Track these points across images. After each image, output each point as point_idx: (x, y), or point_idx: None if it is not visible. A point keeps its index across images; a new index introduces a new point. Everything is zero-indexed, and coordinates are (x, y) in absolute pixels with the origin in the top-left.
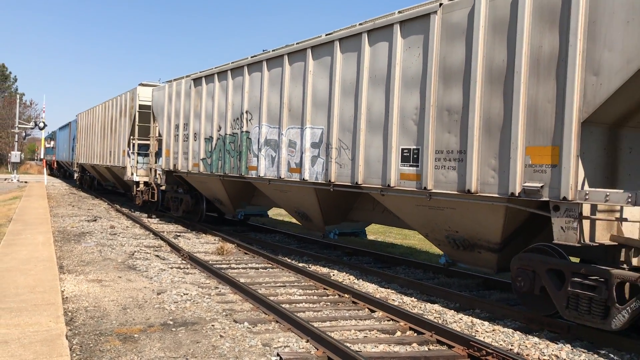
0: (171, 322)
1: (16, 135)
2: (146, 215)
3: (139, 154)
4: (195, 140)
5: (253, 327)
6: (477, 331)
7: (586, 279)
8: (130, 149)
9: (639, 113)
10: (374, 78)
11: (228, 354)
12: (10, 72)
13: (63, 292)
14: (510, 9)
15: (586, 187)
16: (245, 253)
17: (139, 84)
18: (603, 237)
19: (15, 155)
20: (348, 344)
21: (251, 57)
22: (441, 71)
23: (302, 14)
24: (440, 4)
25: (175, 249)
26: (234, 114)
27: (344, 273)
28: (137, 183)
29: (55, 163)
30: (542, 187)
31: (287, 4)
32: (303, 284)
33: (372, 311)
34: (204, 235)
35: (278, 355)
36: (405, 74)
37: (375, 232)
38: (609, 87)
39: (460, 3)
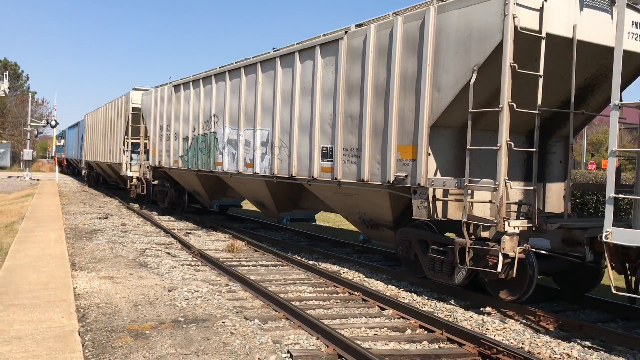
0: (182, 319)
1: (28, 134)
2: (157, 213)
3: (132, 152)
4: (175, 140)
5: (263, 324)
6: (488, 329)
7: (440, 246)
8: (125, 147)
9: (482, 119)
10: (304, 89)
11: (239, 350)
12: (22, 71)
13: (75, 288)
14: (389, 39)
15: (435, 176)
16: (256, 250)
17: (132, 89)
18: (455, 214)
19: (27, 153)
20: (358, 342)
21: (219, 67)
22: (346, 85)
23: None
24: (346, 32)
25: (186, 246)
26: (204, 116)
27: (354, 271)
28: (131, 178)
29: (64, 160)
30: (406, 176)
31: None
32: (313, 281)
33: (382, 309)
34: (214, 232)
35: (288, 352)
36: (323, 87)
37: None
38: (446, 100)
39: (358, 32)
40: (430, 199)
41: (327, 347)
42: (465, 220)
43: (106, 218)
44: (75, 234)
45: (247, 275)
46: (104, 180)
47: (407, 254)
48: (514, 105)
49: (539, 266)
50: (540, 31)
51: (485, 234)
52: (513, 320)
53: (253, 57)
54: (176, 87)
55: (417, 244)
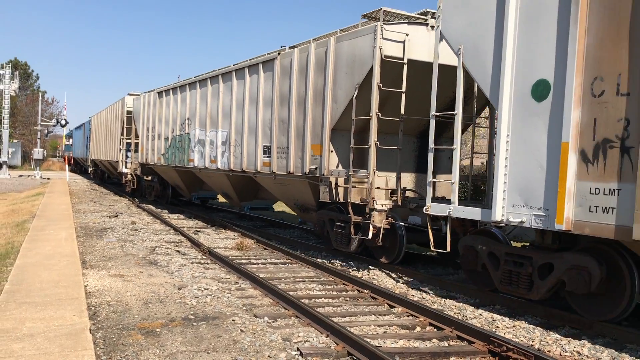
0: (192, 317)
1: (39, 133)
2: (168, 212)
3: (127, 151)
4: (159, 139)
5: (273, 322)
6: (498, 327)
7: (342, 223)
8: (121, 146)
9: (369, 124)
10: (251, 98)
11: (249, 348)
12: (32, 71)
13: (86, 286)
14: (306, 60)
15: (337, 168)
16: (265, 248)
17: (127, 94)
18: (355, 198)
19: (38, 152)
20: (368, 339)
21: (194, 77)
22: (279, 96)
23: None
24: (279, 53)
25: (196, 244)
26: (181, 120)
27: (363, 269)
28: (126, 174)
29: (72, 159)
30: (316, 168)
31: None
32: (322, 279)
33: (392, 307)
34: (223, 230)
35: (298, 349)
36: (264, 97)
37: None
38: (340, 109)
39: (287, 53)
40: (333, 186)
41: (337, 344)
42: (350, 201)
43: (116, 216)
44: (86, 232)
45: (257, 273)
46: (108, 177)
47: (322, 231)
48: (379, 114)
49: (412, 237)
50: (402, 58)
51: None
52: (523, 318)
53: (217, 70)
54: (159, 94)
55: (328, 222)
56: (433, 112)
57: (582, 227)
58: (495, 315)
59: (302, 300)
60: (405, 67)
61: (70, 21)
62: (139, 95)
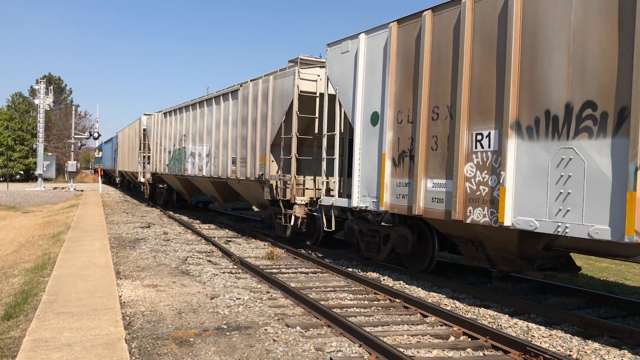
0: (225, 327)
1: (72, 146)
2: (199, 222)
3: (144, 163)
4: (164, 152)
5: (305, 331)
6: (534, 336)
7: (281, 215)
8: (139, 159)
9: (304, 141)
10: (225, 119)
11: (282, 358)
12: (65, 85)
13: (120, 297)
14: (257, 92)
15: (275, 173)
16: (295, 257)
17: (143, 114)
18: (285, 196)
19: (71, 165)
20: (401, 349)
21: (190, 101)
22: (241, 118)
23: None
24: (241, 85)
25: (227, 254)
26: (179, 136)
27: (394, 278)
28: (143, 183)
29: (101, 171)
30: (262, 174)
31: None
32: (353, 288)
33: (425, 316)
34: (253, 240)
35: (331, 359)
36: (232, 119)
37: None
38: (276, 129)
39: (246, 86)
40: (273, 187)
41: (370, 354)
42: (280, 198)
43: (148, 227)
44: (119, 243)
45: (288, 283)
46: (134, 186)
47: (269, 222)
48: (298, 134)
49: (328, 225)
50: (315, 93)
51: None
52: (560, 327)
53: (203, 96)
54: (165, 114)
55: (274, 215)
56: (324, 132)
57: (393, 208)
58: (530, 324)
59: (334, 310)
60: (317, 99)
61: (101, 35)
62: (151, 115)
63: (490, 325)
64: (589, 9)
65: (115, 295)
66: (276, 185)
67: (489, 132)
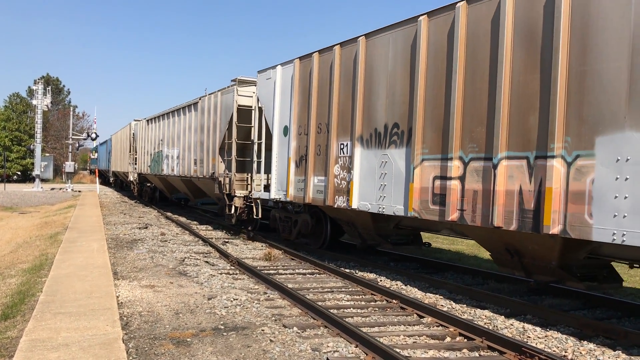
0: (222, 327)
1: (70, 146)
2: (197, 223)
3: (134, 164)
4: (147, 155)
5: (302, 332)
6: (529, 337)
7: (229, 206)
8: (129, 160)
9: (246, 145)
10: (189, 127)
11: (278, 358)
12: (63, 86)
13: (118, 297)
14: (210, 104)
15: (223, 172)
16: (292, 259)
17: (133, 120)
18: (239, 191)
19: (69, 166)
20: (397, 349)
21: (167, 109)
22: (200, 126)
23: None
24: (200, 98)
25: (224, 255)
26: (158, 141)
27: (391, 279)
28: (132, 182)
29: (98, 172)
30: (213, 172)
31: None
32: (350, 289)
33: (421, 317)
34: (251, 241)
35: (327, 359)
36: (194, 126)
37: None
38: (222, 136)
39: (203, 99)
40: (221, 184)
41: (366, 354)
42: (224, 192)
43: (146, 228)
44: (117, 243)
45: (285, 284)
46: (126, 185)
47: (221, 213)
48: (236, 139)
49: (256, 213)
50: (251, 106)
51: (244, 197)
52: (555, 328)
53: (175, 107)
54: (147, 121)
55: (226, 206)
56: (255, 139)
57: (295, 198)
58: (526, 325)
59: (331, 310)
60: (253, 111)
61: (100, 36)
62: (139, 121)
63: (486, 326)
64: (397, 62)
65: (112, 295)
66: (223, 182)
67: (347, 143)
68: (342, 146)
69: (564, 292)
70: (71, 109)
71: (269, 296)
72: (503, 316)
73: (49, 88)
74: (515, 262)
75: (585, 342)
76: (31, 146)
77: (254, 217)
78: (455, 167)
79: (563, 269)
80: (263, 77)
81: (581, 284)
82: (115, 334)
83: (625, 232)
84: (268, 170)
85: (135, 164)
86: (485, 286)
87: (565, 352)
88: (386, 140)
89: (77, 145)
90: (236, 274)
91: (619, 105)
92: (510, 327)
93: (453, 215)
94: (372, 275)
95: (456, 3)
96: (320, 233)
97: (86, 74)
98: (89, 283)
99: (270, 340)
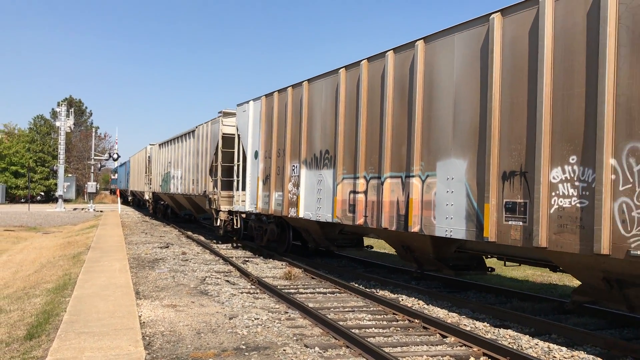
0: (244, 347)
1: (92, 167)
2: (216, 242)
3: (149, 184)
4: (159, 176)
5: (324, 352)
6: (555, 357)
7: (218, 219)
8: (145, 181)
9: (227, 168)
10: (188, 152)
11: None
12: (85, 107)
13: (140, 317)
14: (203, 133)
15: (212, 190)
16: (312, 278)
17: (149, 144)
18: (224, 206)
19: (91, 186)
20: None
21: (173, 136)
22: (195, 151)
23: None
24: (193, 131)
25: (245, 274)
26: (166, 163)
27: (413, 298)
28: (147, 200)
29: (119, 192)
30: (205, 190)
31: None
32: (372, 308)
33: (444, 336)
34: (271, 260)
35: None
36: (192, 151)
37: None
38: (211, 160)
39: (199, 128)
40: (211, 200)
41: None
42: (213, 207)
43: (167, 247)
44: (138, 263)
45: (306, 303)
46: (143, 204)
47: (214, 226)
48: (221, 162)
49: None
50: (233, 134)
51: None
52: (581, 348)
53: (179, 134)
54: (159, 145)
55: (215, 219)
56: (235, 162)
57: (262, 210)
58: (551, 345)
59: (353, 330)
60: (236, 138)
61: (121, 59)
62: (154, 145)
63: (510, 346)
64: (327, 104)
65: (135, 315)
66: (212, 198)
67: (297, 165)
68: (293, 167)
69: (590, 310)
70: (93, 130)
71: (290, 315)
72: (527, 335)
73: (72, 110)
74: (409, 256)
75: None
76: (54, 167)
77: (235, 227)
78: (361, 184)
79: (440, 261)
80: (240, 110)
81: (452, 272)
82: (138, 354)
83: (452, 229)
84: (238, 188)
85: (150, 183)
86: (508, 305)
87: None
88: (321, 163)
89: (99, 165)
90: (257, 293)
91: (447, 139)
92: (535, 346)
93: (360, 220)
94: (393, 295)
95: (360, 61)
96: (284, 239)
97: (108, 95)
98: (112, 303)
99: None
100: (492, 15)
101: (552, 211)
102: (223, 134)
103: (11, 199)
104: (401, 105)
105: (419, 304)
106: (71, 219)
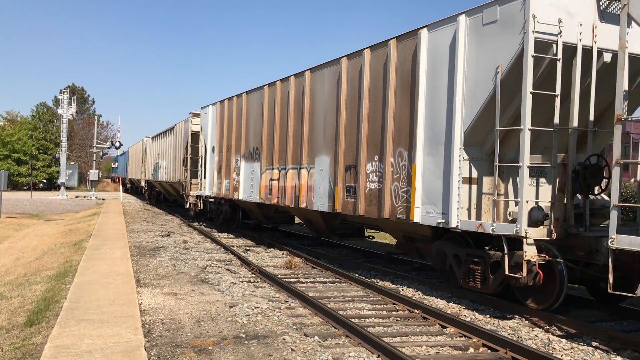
0: (243, 335)
1: (94, 155)
2: (217, 230)
3: (145, 172)
4: (151, 165)
5: (323, 341)
6: (555, 349)
7: (188, 202)
8: (142, 169)
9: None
10: (170, 146)
11: None
12: (88, 95)
13: (140, 304)
14: (178, 129)
15: (184, 178)
16: (313, 267)
17: (145, 136)
18: (192, 192)
19: (93, 174)
20: None
21: (161, 131)
22: (174, 144)
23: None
24: (172, 127)
25: (245, 262)
26: (155, 155)
27: (413, 288)
28: (143, 187)
29: (121, 180)
30: (179, 178)
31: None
32: (372, 298)
33: (444, 327)
34: (272, 249)
35: None
36: (173, 145)
37: None
38: (183, 153)
39: (176, 126)
40: (183, 186)
41: None
42: (184, 192)
43: (168, 236)
44: (139, 251)
45: (306, 292)
46: (140, 190)
47: (188, 209)
48: (191, 155)
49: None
50: (199, 132)
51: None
52: (581, 340)
53: (164, 130)
54: (152, 139)
55: (186, 202)
56: (200, 155)
57: (217, 194)
58: (551, 337)
59: (353, 320)
60: (200, 135)
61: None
62: (148, 137)
63: (510, 337)
64: (257, 111)
65: (135, 303)
66: (184, 185)
67: (239, 158)
68: (236, 160)
69: (590, 302)
70: (95, 118)
71: (290, 305)
72: (527, 327)
73: (74, 98)
74: (311, 227)
75: (612, 355)
76: (57, 155)
77: (200, 209)
78: (275, 173)
79: (329, 230)
80: (203, 112)
81: (337, 238)
82: (138, 342)
83: (321, 205)
84: (202, 177)
85: (145, 172)
86: (508, 296)
87: None
88: (253, 157)
89: (102, 153)
90: (257, 282)
91: (320, 142)
92: (534, 338)
93: (274, 200)
94: (393, 285)
95: (275, 82)
96: (235, 218)
97: (110, 83)
98: (112, 290)
99: (292, 350)
100: (342, 59)
101: (366, 191)
102: (192, 131)
103: (14, 186)
104: (298, 117)
105: (418, 294)
106: (73, 206)
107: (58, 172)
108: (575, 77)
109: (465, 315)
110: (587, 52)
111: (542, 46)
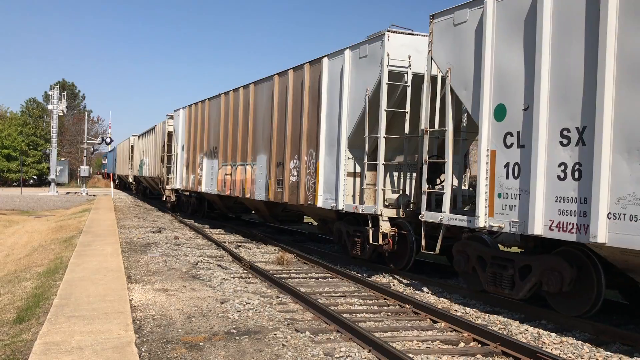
0: (234, 331)
1: (85, 151)
2: (209, 227)
3: (132, 168)
4: (137, 162)
5: (315, 336)
6: (544, 343)
7: (164, 195)
8: (129, 166)
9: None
10: (151, 145)
11: None
12: (79, 91)
13: (131, 301)
14: (159, 128)
15: (163, 174)
16: (305, 263)
17: (132, 135)
18: (168, 186)
19: (84, 170)
20: (411, 355)
21: (145, 130)
22: (155, 144)
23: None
24: (154, 126)
25: (237, 258)
26: (141, 152)
27: (404, 283)
28: (131, 182)
29: (113, 176)
30: (159, 174)
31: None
32: (363, 294)
33: (434, 322)
34: (263, 245)
35: None
36: (153, 144)
37: None
38: (161, 152)
39: (156, 126)
40: (161, 181)
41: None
42: (161, 186)
43: (159, 232)
44: (131, 247)
45: (297, 288)
46: (128, 185)
47: (165, 201)
48: (167, 153)
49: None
50: (173, 132)
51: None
52: (571, 334)
53: (148, 129)
54: (138, 137)
55: (163, 195)
56: (174, 152)
57: (185, 187)
58: (541, 331)
59: (344, 315)
60: (173, 135)
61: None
62: (135, 136)
63: (500, 332)
64: (217, 115)
65: (126, 299)
66: (162, 180)
67: (202, 155)
68: (200, 157)
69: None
70: (86, 114)
71: (281, 300)
72: (517, 321)
73: (65, 93)
74: (259, 214)
75: (601, 349)
76: (47, 150)
77: (172, 200)
78: (229, 169)
79: (273, 217)
80: (176, 114)
81: (279, 223)
82: (128, 338)
83: (260, 195)
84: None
85: (132, 169)
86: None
87: (581, 358)
88: (213, 155)
89: (92, 149)
90: (249, 277)
91: (260, 144)
92: (524, 332)
93: (227, 192)
94: (385, 280)
95: (229, 91)
96: (201, 209)
97: (101, 79)
98: (103, 287)
99: (283, 345)
100: (274, 76)
101: (289, 183)
102: (168, 131)
103: (3, 182)
104: (245, 122)
105: (410, 289)
106: (64, 202)
107: (48, 168)
108: (423, 97)
109: (455, 310)
110: (433, 79)
111: (396, 75)
